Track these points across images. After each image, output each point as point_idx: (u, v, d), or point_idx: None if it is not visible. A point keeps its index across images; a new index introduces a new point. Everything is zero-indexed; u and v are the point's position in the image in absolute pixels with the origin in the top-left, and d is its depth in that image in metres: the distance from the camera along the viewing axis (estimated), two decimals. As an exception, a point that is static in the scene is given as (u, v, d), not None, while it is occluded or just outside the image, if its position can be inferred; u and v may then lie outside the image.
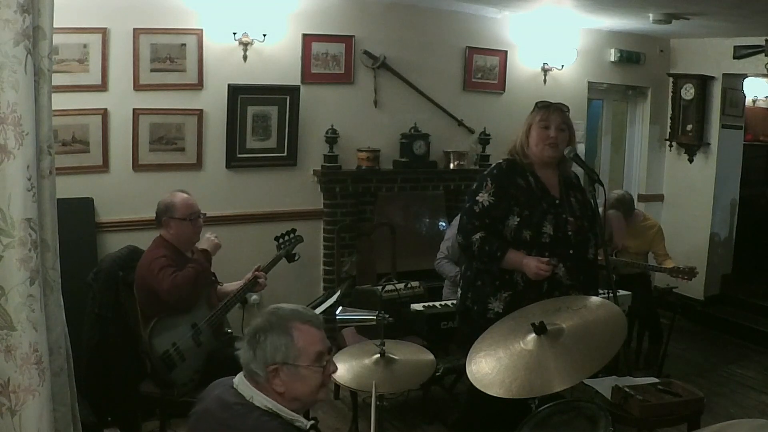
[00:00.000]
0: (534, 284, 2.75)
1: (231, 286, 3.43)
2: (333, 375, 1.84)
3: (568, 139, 2.84)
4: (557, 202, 2.83)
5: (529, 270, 2.72)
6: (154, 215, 3.27)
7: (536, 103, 2.94)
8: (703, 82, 5.77)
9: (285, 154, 4.58)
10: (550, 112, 2.84)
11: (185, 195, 3.30)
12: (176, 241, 3.23)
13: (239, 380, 1.75)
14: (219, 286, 3.45)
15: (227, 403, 1.71)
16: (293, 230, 3.59)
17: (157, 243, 3.23)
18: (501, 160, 2.94)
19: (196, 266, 3.14)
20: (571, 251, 2.79)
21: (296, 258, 3.55)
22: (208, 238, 3.33)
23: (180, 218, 3.21)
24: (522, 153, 2.86)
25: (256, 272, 3.36)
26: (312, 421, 1.78)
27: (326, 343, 1.78)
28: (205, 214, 3.37)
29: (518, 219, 2.77)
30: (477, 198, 2.82)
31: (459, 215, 3.14)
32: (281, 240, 3.53)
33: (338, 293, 3.09)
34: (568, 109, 2.92)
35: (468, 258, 2.96)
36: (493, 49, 5.20)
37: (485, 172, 2.92)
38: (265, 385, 1.71)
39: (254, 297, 4.07)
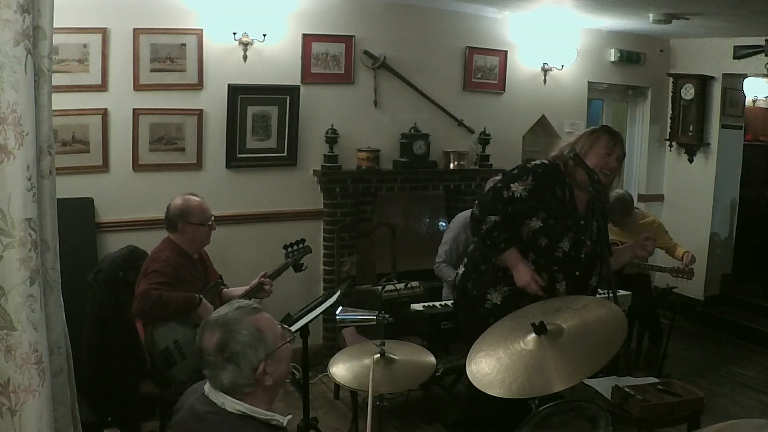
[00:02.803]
0: None
1: (236, 290, 3.42)
2: (333, 374, 1.81)
3: (619, 172, 2.90)
4: (582, 222, 2.82)
5: (519, 278, 2.72)
6: (166, 219, 3.26)
7: (602, 126, 2.91)
8: (703, 82, 5.77)
9: (285, 154, 4.58)
10: (616, 143, 2.83)
11: (198, 199, 3.30)
12: (188, 245, 3.24)
13: (209, 387, 1.71)
14: (224, 289, 3.45)
15: (199, 413, 1.68)
16: (302, 240, 3.59)
17: (165, 244, 3.24)
18: (547, 161, 2.87)
19: (185, 300, 3.09)
20: (577, 272, 2.80)
21: (303, 268, 3.55)
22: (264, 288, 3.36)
23: (198, 224, 3.23)
24: (573, 164, 2.77)
25: (263, 278, 3.35)
26: (290, 416, 1.76)
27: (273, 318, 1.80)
28: (213, 216, 3.38)
29: (541, 224, 2.75)
30: (511, 185, 2.76)
31: (458, 214, 3.13)
32: (290, 249, 3.53)
33: (338, 293, 3.08)
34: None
35: (474, 232, 2.89)
36: (493, 49, 5.20)
37: (530, 166, 2.85)
38: (251, 390, 1.68)
39: (254, 299, 4.07)
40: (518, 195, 2.74)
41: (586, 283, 2.85)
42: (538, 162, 2.87)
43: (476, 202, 2.88)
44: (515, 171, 2.84)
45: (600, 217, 2.85)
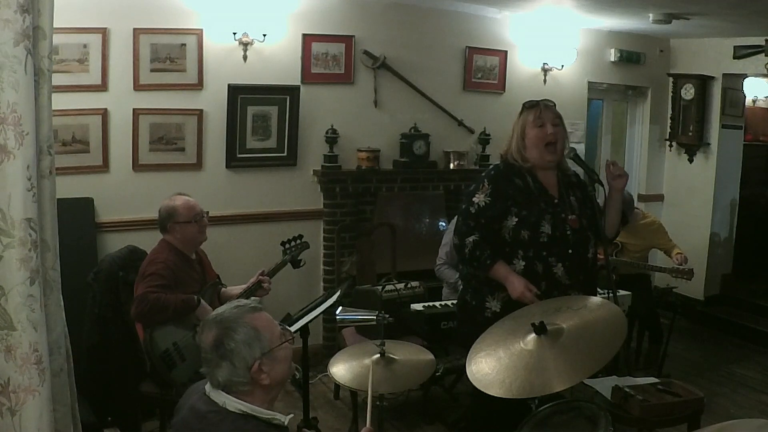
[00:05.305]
0: (532, 284, 2.72)
1: (234, 289, 3.42)
2: (333, 374, 1.81)
3: (564, 134, 2.83)
4: (556, 201, 2.80)
5: (513, 289, 2.68)
6: (158, 221, 3.26)
7: (523, 104, 2.90)
8: (703, 82, 5.78)
9: (285, 154, 4.58)
10: (542, 110, 2.81)
11: (185, 197, 3.29)
12: (182, 244, 3.24)
13: (210, 386, 1.72)
14: (223, 289, 3.44)
15: (201, 413, 1.68)
16: (300, 236, 3.58)
17: (161, 246, 3.23)
18: (499, 162, 2.92)
19: (184, 302, 3.09)
20: (570, 251, 2.77)
21: (301, 264, 3.54)
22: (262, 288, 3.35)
23: (184, 222, 3.22)
24: (521, 157, 2.81)
25: (261, 276, 3.35)
26: (291, 415, 1.76)
27: (274, 319, 1.81)
28: (208, 212, 3.37)
29: (516, 219, 2.75)
30: (473, 199, 2.81)
31: (456, 217, 3.11)
32: (287, 245, 3.52)
33: (338, 293, 3.08)
34: (555, 104, 2.89)
35: (459, 259, 2.96)
36: (493, 49, 5.20)
37: (483, 174, 2.90)
38: (248, 389, 1.68)
39: (253, 298, 4.07)
40: (483, 204, 2.77)
41: (583, 258, 2.81)
42: (489, 167, 2.94)
43: (454, 230, 2.93)
44: (471, 187, 2.89)
45: (576, 189, 2.87)
